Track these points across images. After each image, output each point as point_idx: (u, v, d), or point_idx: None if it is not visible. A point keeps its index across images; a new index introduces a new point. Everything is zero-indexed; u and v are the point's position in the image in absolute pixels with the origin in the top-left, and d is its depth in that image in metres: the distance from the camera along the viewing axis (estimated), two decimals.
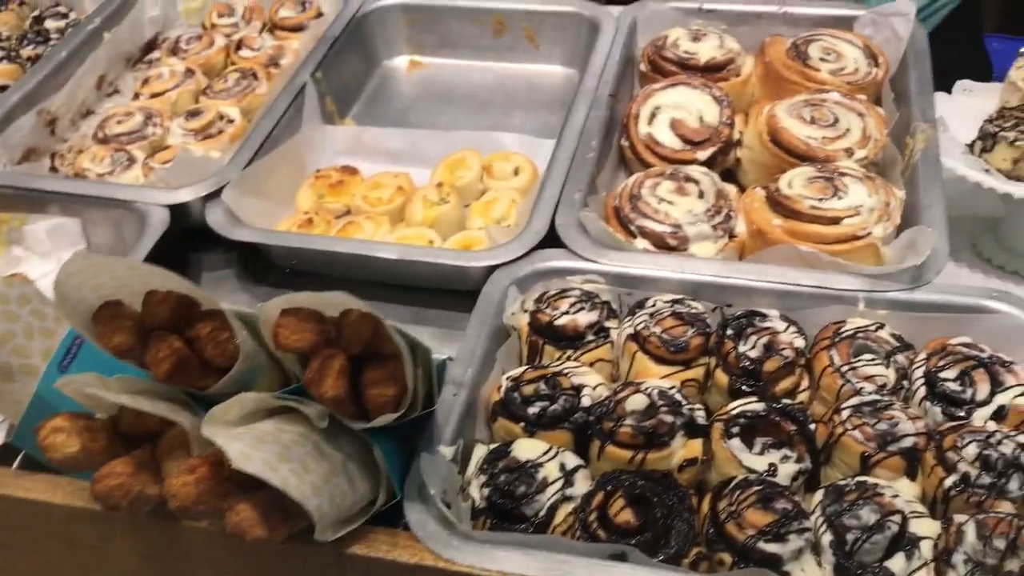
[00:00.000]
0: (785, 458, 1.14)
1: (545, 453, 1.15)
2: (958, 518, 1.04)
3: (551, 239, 1.46)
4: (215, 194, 1.58)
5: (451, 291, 1.49)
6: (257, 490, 0.98)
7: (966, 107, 1.72)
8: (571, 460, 1.15)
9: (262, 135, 1.69)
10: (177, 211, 1.56)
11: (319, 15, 2.03)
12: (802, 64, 1.69)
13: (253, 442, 0.98)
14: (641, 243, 1.46)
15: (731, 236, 1.48)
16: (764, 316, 1.30)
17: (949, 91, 1.75)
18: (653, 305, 1.33)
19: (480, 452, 1.18)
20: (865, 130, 1.56)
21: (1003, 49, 2.19)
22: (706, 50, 1.74)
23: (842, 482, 1.10)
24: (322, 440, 1.06)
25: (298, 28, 2.02)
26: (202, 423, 1.00)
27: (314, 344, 1.01)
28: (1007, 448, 1.10)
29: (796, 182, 1.46)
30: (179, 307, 1.05)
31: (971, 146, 1.61)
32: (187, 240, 1.63)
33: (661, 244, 1.45)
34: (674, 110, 1.64)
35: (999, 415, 1.17)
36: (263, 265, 1.62)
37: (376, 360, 1.03)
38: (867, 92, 1.66)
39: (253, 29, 2.05)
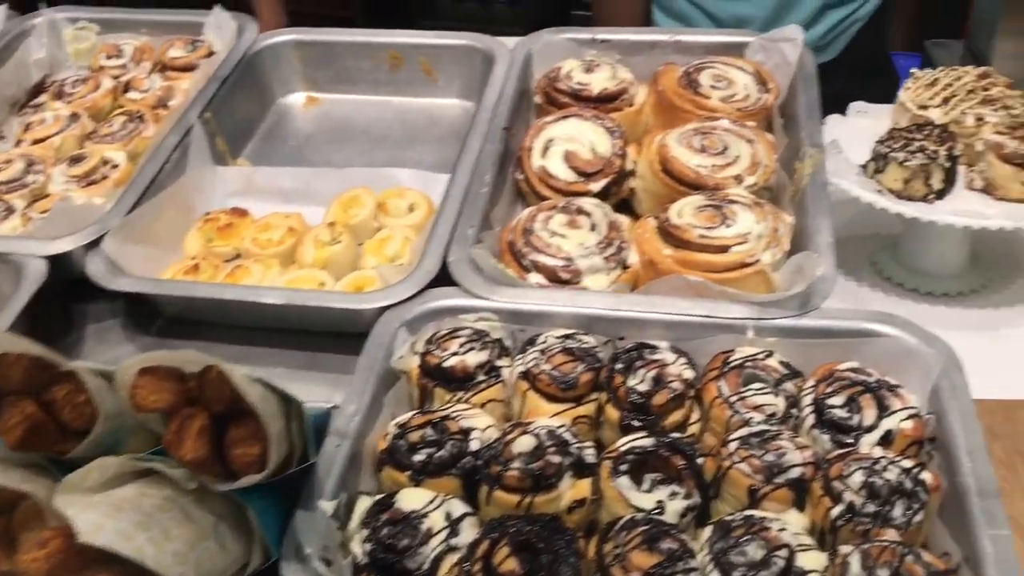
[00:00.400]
0: (673, 494, 1.12)
1: (431, 502, 1.11)
2: (843, 549, 1.04)
3: (444, 277, 1.43)
4: (97, 242, 1.52)
5: (346, 334, 1.45)
6: (117, 561, 0.93)
7: (861, 129, 1.74)
8: (458, 508, 1.12)
9: (147, 179, 1.64)
10: (56, 262, 1.50)
11: (210, 54, 1.99)
12: (693, 92, 1.69)
13: (109, 510, 0.93)
14: (535, 278, 1.44)
15: (624, 267, 1.47)
16: (654, 348, 1.29)
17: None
18: (544, 341, 1.31)
19: (364, 504, 1.14)
20: (754, 157, 1.56)
21: (909, 66, 2.24)
22: (599, 81, 1.74)
23: (729, 517, 1.09)
24: (190, 503, 1.01)
25: (189, 68, 1.97)
26: (56, 491, 0.95)
27: (173, 404, 0.97)
28: (892, 474, 1.09)
29: (686, 211, 1.46)
30: (33, 369, 1.00)
31: (865, 167, 1.63)
32: (71, 290, 1.57)
33: (554, 278, 1.44)
34: (567, 142, 1.63)
35: (886, 440, 1.17)
36: (150, 315, 1.57)
37: (241, 418, 0.99)
38: (757, 118, 1.67)
39: (142, 70, 2.00)
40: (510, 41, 1.92)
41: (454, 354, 1.29)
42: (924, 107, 1.70)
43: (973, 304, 1.63)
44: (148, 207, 1.60)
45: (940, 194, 1.57)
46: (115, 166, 1.74)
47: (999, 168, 1.56)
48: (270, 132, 1.98)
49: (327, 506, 1.10)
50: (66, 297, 1.58)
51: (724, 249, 1.40)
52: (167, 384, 0.97)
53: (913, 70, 1.82)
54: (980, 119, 1.64)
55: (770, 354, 1.28)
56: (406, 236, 1.60)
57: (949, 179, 1.57)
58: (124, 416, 1.04)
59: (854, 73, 2.27)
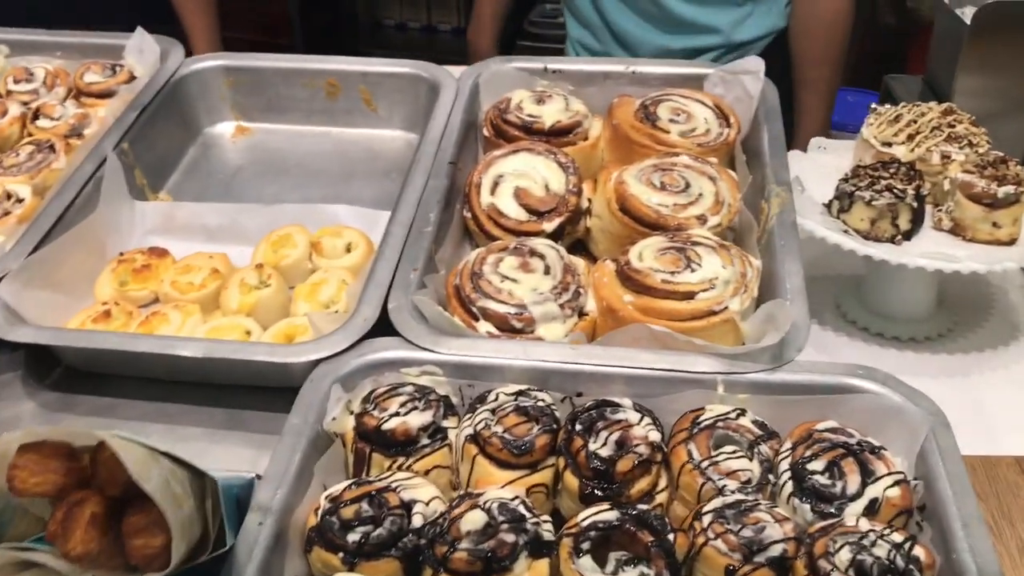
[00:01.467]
0: None
1: None
2: None
3: (384, 326, 1.30)
4: None
5: (274, 390, 1.31)
6: None
7: (822, 165, 1.67)
8: None
9: (53, 216, 1.49)
10: None
11: (131, 79, 1.84)
12: (651, 126, 1.59)
13: None
14: (484, 326, 1.32)
15: (581, 315, 1.35)
16: (616, 407, 1.17)
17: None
18: (495, 399, 1.19)
19: None
20: (718, 195, 1.46)
21: (863, 103, 2.19)
22: (551, 113, 1.63)
23: None
24: None
25: (107, 94, 1.82)
26: None
27: (61, 487, 0.82)
28: (882, 551, 0.99)
29: (646, 254, 1.35)
30: None
31: (828, 206, 1.54)
32: None
33: (505, 327, 1.31)
34: (517, 178, 1.51)
35: (871, 510, 1.06)
36: (55, 367, 1.41)
37: (142, 501, 0.84)
38: (719, 154, 1.58)
39: (55, 96, 1.84)
40: (456, 70, 1.81)
41: (395, 415, 1.15)
42: (888, 144, 1.62)
43: (942, 349, 1.55)
44: (54, 247, 1.45)
45: (907, 235, 1.49)
46: (19, 200, 1.58)
47: (968, 208, 1.48)
48: (195, 164, 1.84)
49: None
50: None
51: (689, 296, 1.29)
52: (53, 463, 0.82)
53: (873, 105, 1.75)
54: (946, 157, 1.57)
55: (743, 412, 1.17)
56: (343, 279, 1.46)
57: (917, 219, 1.49)
58: (8, 495, 0.89)
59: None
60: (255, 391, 1.34)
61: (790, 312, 1.23)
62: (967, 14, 1.92)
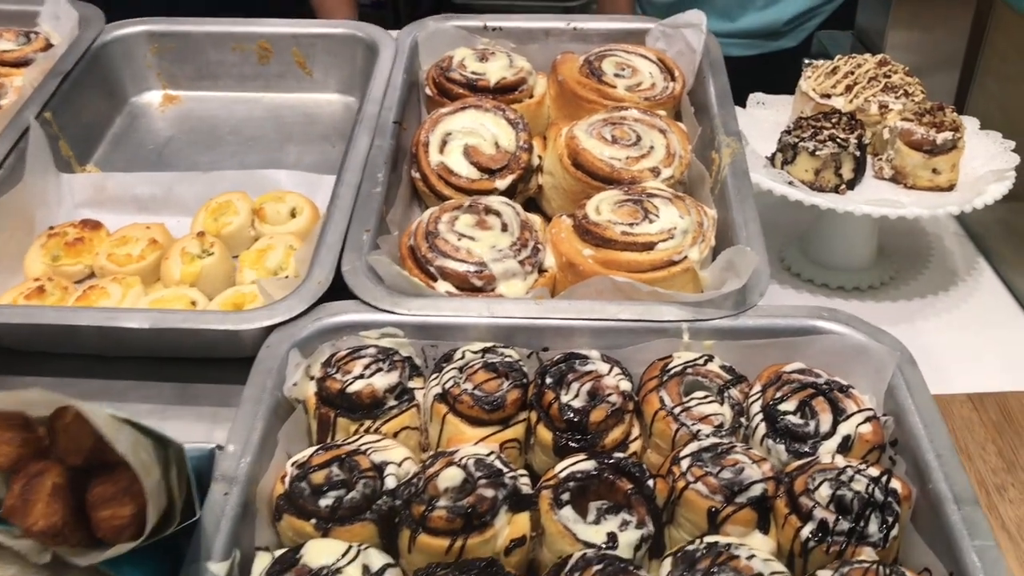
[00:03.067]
0: (624, 524, 0.98)
1: (344, 555, 0.94)
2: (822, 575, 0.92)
3: (338, 289, 1.25)
4: None
5: (224, 361, 1.25)
6: None
7: (762, 120, 1.67)
8: (377, 559, 0.95)
9: None
10: None
11: (48, 47, 1.74)
12: (597, 81, 1.57)
13: None
14: (443, 286, 1.28)
15: (541, 271, 1.33)
16: (585, 358, 1.15)
17: None
18: (462, 357, 1.16)
19: (263, 562, 0.96)
20: (669, 147, 1.45)
21: None
22: (495, 70, 1.60)
23: (691, 547, 0.96)
24: None
25: (22, 63, 1.71)
26: None
27: (17, 459, 0.76)
28: (860, 485, 0.99)
29: (604, 207, 1.33)
30: None
31: (772, 158, 1.55)
32: None
33: (465, 285, 1.28)
34: (467, 136, 1.48)
35: (845, 447, 1.07)
36: None
37: (106, 471, 0.79)
38: (666, 108, 1.57)
39: None
40: (394, 30, 1.76)
41: (359, 377, 1.11)
42: (827, 95, 1.64)
43: (885, 298, 1.58)
44: None
45: (851, 184, 1.51)
46: None
47: (909, 156, 1.50)
48: (123, 135, 1.75)
49: (218, 568, 0.92)
50: None
51: (649, 246, 1.28)
52: (7, 434, 0.77)
53: (807, 60, 1.76)
54: (884, 106, 1.59)
55: (710, 358, 1.17)
56: (289, 245, 1.41)
57: (859, 168, 1.51)
58: None
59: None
60: (203, 363, 1.29)
61: (752, 258, 1.23)
62: None
